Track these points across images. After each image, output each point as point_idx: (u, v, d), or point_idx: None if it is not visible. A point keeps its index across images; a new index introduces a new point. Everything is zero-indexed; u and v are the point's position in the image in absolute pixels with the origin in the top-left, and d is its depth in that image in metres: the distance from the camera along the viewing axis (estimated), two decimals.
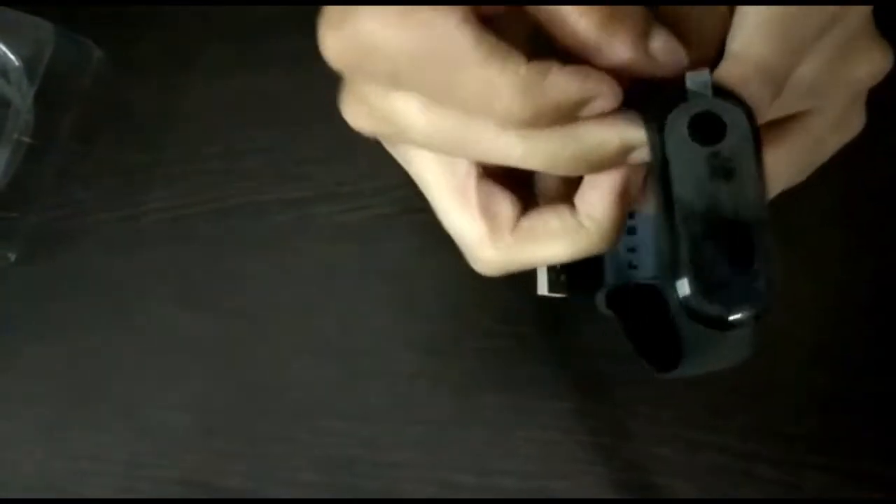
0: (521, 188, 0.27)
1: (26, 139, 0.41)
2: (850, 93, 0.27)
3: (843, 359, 0.38)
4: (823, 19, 0.24)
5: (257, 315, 0.41)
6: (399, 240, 0.40)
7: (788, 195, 0.37)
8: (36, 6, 0.41)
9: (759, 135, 0.21)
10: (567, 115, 0.23)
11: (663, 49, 0.23)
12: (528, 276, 0.39)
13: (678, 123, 0.21)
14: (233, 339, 0.40)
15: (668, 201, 0.21)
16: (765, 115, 0.23)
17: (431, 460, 0.38)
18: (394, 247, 0.40)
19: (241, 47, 0.44)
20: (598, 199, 0.25)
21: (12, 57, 0.41)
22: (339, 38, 0.24)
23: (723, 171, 0.21)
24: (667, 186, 0.21)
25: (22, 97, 0.41)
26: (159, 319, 0.41)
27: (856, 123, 0.28)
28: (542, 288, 0.38)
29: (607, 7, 0.22)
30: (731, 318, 0.20)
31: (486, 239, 0.26)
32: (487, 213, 0.26)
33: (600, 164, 0.24)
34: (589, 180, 0.25)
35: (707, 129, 0.21)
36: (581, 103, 0.22)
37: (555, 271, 0.37)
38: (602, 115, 0.23)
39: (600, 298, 0.33)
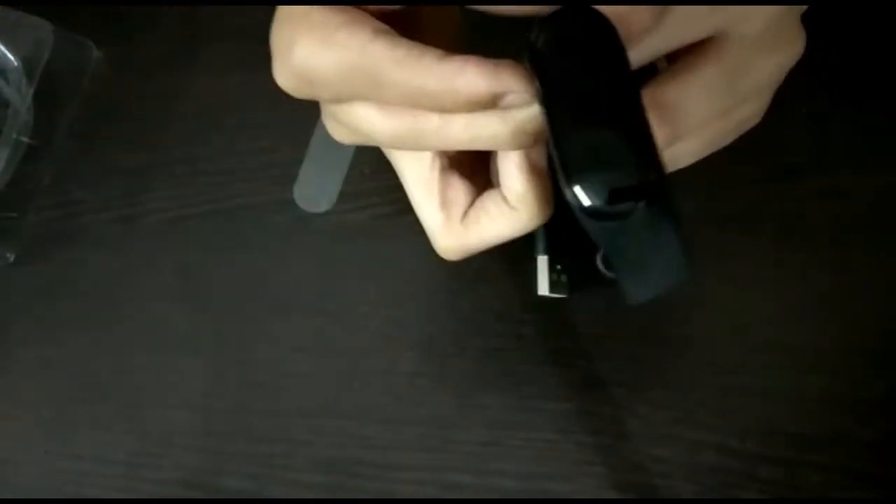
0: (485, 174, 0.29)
1: (25, 139, 0.41)
2: (769, 9, 0.27)
3: (843, 359, 0.38)
4: None
5: (257, 315, 0.41)
6: (399, 240, 0.40)
7: (784, 196, 0.37)
8: (35, 6, 0.41)
9: (616, 34, 0.23)
10: (488, 105, 0.24)
11: None
12: (528, 276, 0.39)
13: (546, 37, 0.23)
14: (233, 339, 0.40)
15: (548, 106, 0.23)
16: (645, 29, 0.24)
17: (431, 460, 0.38)
18: (394, 247, 0.40)
19: (241, 47, 0.44)
20: (512, 179, 0.27)
21: (11, 57, 0.41)
22: (282, 71, 0.27)
23: (591, 70, 0.22)
24: (544, 87, 0.23)
25: (21, 97, 0.41)
26: (159, 319, 0.41)
27: (791, 41, 0.28)
28: (543, 288, 0.38)
29: None
30: (617, 204, 0.21)
31: (443, 227, 0.29)
32: (445, 203, 0.29)
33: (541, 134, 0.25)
34: (500, 162, 0.27)
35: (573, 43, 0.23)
36: (497, 97, 0.24)
37: (555, 272, 0.37)
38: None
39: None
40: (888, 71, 0.36)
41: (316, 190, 0.37)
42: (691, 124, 0.27)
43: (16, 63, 0.41)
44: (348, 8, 0.25)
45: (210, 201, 0.42)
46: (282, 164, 0.41)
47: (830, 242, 0.39)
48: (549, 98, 0.23)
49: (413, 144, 0.27)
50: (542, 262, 0.38)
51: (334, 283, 0.40)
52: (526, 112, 0.24)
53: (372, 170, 0.41)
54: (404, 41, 0.25)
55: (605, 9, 0.23)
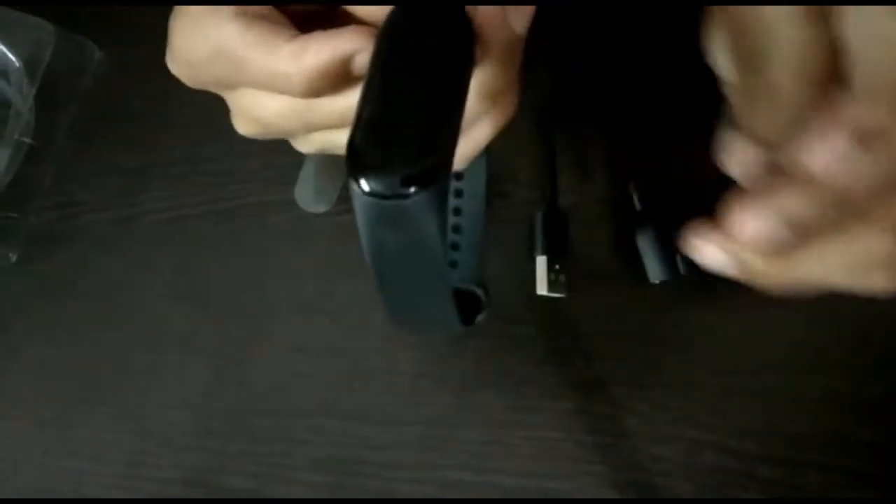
0: None
1: (27, 140, 0.41)
2: None
3: (843, 359, 0.38)
4: None
5: (257, 315, 0.41)
6: None
7: None
8: (36, 6, 0.41)
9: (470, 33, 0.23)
10: (344, 75, 0.24)
11: None
12: (528, 276, 0.39)
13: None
14: (233, 339, 0.40)
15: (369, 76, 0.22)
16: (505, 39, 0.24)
17: (431, 460, 0.38)
18: None
19: None
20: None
21: (12, 58, 0.41)
22: (168, 58, 0.28)
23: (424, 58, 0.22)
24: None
25: (22, 98, 0.41)
26: (159, 319, 0.41)
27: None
28: (542, 288, 0.38)
29: None
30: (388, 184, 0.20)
31: None
32: None
33: None
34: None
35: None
36: (346, 60, 0.24)
37: (553, 272, 0.38)
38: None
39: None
40: None
41: (316, 190, 0.37)
42: None
43: (17, 64, 0.41)
44: None
45: (209, 201, 0.42)
46: (282, 165, 0.41)
47: None
48: (372, 69, 0.22)
49: (304, 131, 0.27)
50: (541, 262, 0.38)
51: (334, 283, 0.40)
52: None
53: None
54: (259, 24, 0.25)
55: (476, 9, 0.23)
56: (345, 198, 0.40)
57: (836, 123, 0.22)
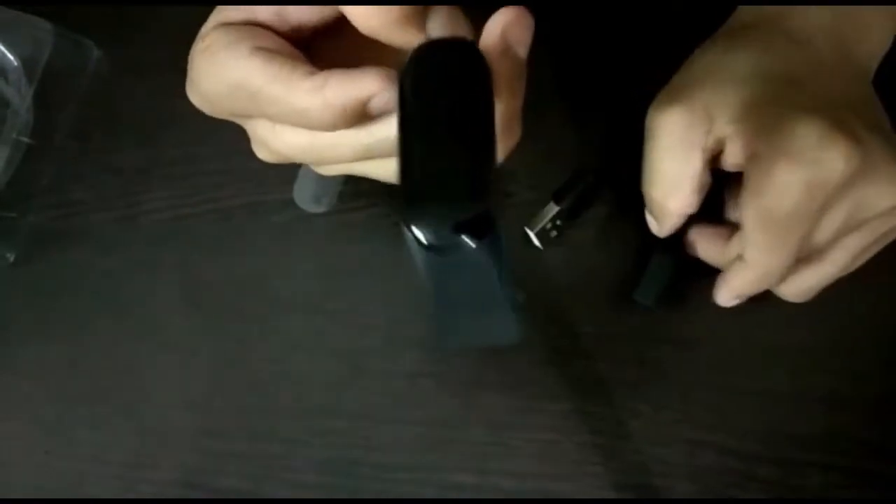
0: None
1: (25, 139, 0.41)
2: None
3: (843, 359, 0.38)
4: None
5: (257, 315, 0.41)
6: (399, 240, 0.40)
7: None
8: (35, 5, 0.41)
9: (488, 72, 0.23)
10: (361, 114, 0.25)
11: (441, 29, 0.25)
12: (529, 276, 0.39)
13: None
14: (233, 339, 0.40)
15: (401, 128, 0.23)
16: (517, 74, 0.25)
17: (431, 460, 0.38)
18: (394, 247, 0.40)
19: None
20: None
21: (11, 57, 0.41)
22: (188, 90, 0.28)
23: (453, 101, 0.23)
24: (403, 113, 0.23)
25: (21, 97, 0.41)
26: (159, 319, 0.41)
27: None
28: (532, 230, 0.38)
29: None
30: (446, 236, 0.21)
31: None
32: None
33: None
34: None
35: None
36: (364, 101, 0.25)
37: (554, 225, 0.38)
38: None
39: None
40: (886, 69, 0.36)
41: (316, 190, 0.37)
42: None
43: (16, 63, 0.41)
44: (243, 28, 0.27)
45: (210, 201, 0.42)
46: (282, 165, 0.41)
47: None
48: (403, 121, 0.23)
49: (319, 160, 0.28)
50: (550, 209, 0.38)
51: (334, 283, 0.40)
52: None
53: None
54: (279, 59, 0.25)
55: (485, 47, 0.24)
56: (345, 198, 0.40)
57: None
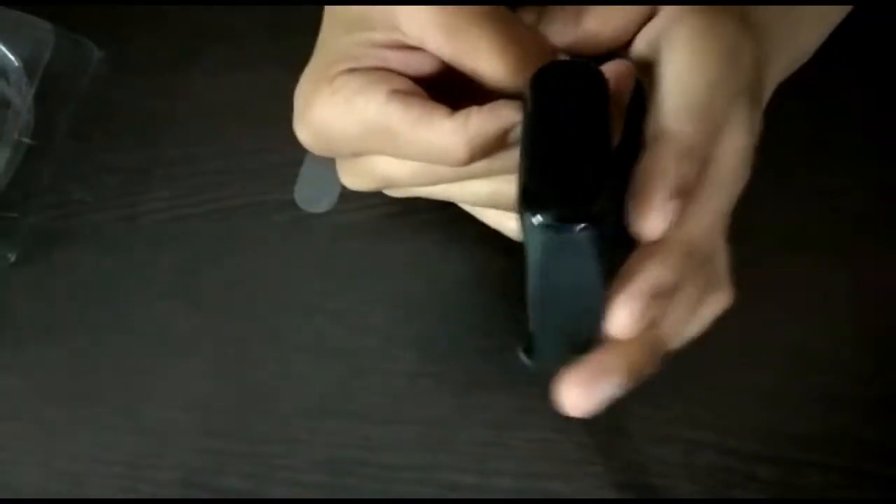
0: None
1: (26, 139, 0.41)
2: None
3: (843, 359, 0.38)
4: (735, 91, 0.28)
5: (257, 315, 0.41)
6: (400, 240, 0.40)
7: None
8: (36, 6, 0.41)
9: (606, 87, 0.25)
10: (499, 144, 0.26)
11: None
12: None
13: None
14: (233, 339, 0.40)
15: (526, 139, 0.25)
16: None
17: (431, 460, 0.38)
18: (394, 247, 0.40)
19: (241, 47, 0.44)
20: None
21: (12, 57, 0.41)
22: (302, 129, 0.29)
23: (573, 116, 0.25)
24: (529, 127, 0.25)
25: (22, 97, 0.41)
26: (159, 319, 0.41)
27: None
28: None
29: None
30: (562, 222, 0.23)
31: None
32: None
33: None
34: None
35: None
36: (503, 131, 0.26)
37: None
38: None
39: None
40: (886, 68, 0.36)
41: (316, 190, 0.37)
42: None
43: (17, 63, 0.41)
44: (374, 72, 0.28)
45: (210, 201, 0.42)
46: (282, 164, 0.41)
47: (830, 242, 0.39)
48: (528, 134, 0.24)
49: (429, 183, 0.29)
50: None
51: (334, 283, 0.40)
52: None
53: None
54: (417, 101, 0.27)
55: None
56: (345, 198, 0.40)
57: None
